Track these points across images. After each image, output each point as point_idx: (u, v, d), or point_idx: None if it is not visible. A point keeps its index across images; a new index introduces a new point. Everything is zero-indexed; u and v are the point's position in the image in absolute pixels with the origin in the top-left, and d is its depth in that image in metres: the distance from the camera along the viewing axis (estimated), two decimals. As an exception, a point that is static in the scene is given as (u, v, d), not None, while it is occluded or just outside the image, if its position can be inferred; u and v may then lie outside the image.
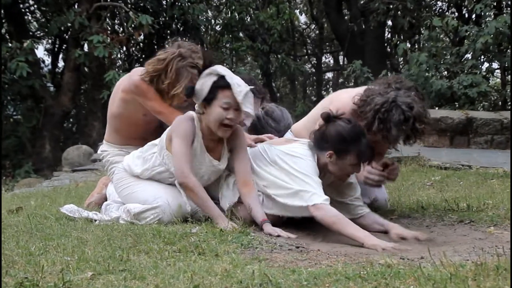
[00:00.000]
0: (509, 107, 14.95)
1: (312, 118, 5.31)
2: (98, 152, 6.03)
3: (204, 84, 4.67)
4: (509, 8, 16.45)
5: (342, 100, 5.12)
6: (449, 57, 15.46)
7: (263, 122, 5.77)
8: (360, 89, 5.05)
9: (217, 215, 4.49)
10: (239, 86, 4.60)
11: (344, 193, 4.91)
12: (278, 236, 4.30)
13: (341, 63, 29.14)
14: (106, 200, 5.75)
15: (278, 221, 4.71)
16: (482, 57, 15.02)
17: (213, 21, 23.15)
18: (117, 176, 5.17)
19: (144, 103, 5.47)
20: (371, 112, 4.73)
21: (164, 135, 4.84)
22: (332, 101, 5.25)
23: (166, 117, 5.41)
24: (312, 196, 4.45)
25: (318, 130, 4.75)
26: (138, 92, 5.45)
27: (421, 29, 19.07)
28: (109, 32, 17.57)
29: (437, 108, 14.33)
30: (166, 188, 4.83)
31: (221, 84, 4.62)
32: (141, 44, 21.36)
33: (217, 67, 4.73)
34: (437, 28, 15.76)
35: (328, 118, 4.70)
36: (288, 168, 4.64)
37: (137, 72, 5.48)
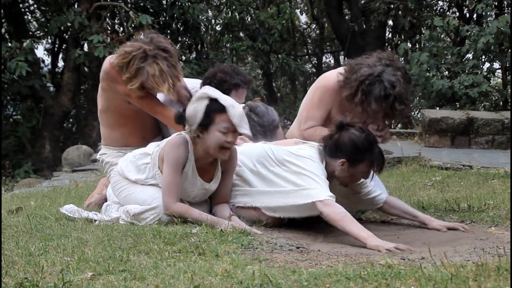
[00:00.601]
0: (510, 107, 14.93)
1: (300, 111, 5.42)
2: (97, 156, 6.03)
3: (197, 109, 4.58)
4: (510, 8, 16.42)
5: (326, 76, 5.25)
6: (450, 57, 15.44)
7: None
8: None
9: (216, 222, 4.48)
10: (234, 108, 4.55)
11: (356, 191, 4.99)
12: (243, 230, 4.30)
13: (341, 63, 29.13)
14: (106, 200, 5.74)
15: (279, 223, 4.71)
16: (483, 57, 15.01)
17: (213, 20, 23.18)
18: (114, 179, 5.19)
19: (116, 88, 5.54)
20: (356, 82, 4.81)
21: (157, 150, 4.80)
22: (317, 83, 5.30)
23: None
24: (319, 192, 4.46)
25: (331, 138, 4.74)
26: (109, 78, 5.57)
27: (422, 29, 19.08)
28: (109, 32, 17.54)
29: (438, 108, 14.33)
30: None
31: (217, 108, 4.55)
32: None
33: (207, 90, 4.65)
34: (438, 28, 15.76)
35: (341, 126, 4.69)
36: (295, 168, 4.65)
37: (109, 59, 5.60)
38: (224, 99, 4.58)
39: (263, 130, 5.47)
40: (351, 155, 4.62)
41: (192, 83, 5.99)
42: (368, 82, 4.77)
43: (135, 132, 5.78)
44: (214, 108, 4.54)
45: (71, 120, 22.82)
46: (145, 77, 5.32)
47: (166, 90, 5.38)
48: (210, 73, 5.86)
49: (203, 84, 5.65)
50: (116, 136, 5.79)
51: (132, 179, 4.94)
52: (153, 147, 4.89)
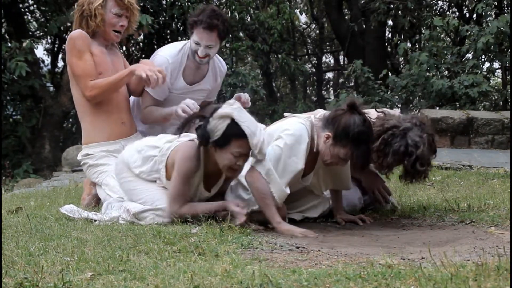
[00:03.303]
0: (510, 107, 14.93)
1: None
2: (79, 158, 5.95)
3: (217, 126, 4.50)
4: (510, 8, 16.42)
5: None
6: (450, 56, 15.43)
7: None
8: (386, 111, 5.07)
9: (221, 205, 4.59)
10: (255, 136, 4.47)
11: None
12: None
13: (341, 62, 29.16)
14: (98, 199, 5.75)
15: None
16: (483, 56, 14.98)
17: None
18: (118, 168, 5.16)
19: (69, 60, 5.71)
20: (380, 129, 4.74)
21: (167, 149, 4.77)
22: None
23: (82, 83, 5.67)
24: (264, 164, 4.59)
25: (336, 111, 4.75)
26: (67, 47, 5.76)
27: (422, 28, 19.05)
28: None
29: (437, 108, 14.32)
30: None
31: (237, 133, 4.48)
32: (141, 44, 21.31)
33: (233, 111, 4.51)
34: (438, 28, 15.74)
35: (352, 106, 4.69)
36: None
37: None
38: (247, 125, 4.48)
39: None
40: (338, 134, 4.62)
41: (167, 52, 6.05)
42: (391, 133, 4.72)
43: (115, 117, 5.78)
44: (235, 132, 4.48)
45: (70, 120, 22.80)
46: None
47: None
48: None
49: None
50: (98, 125, 5.77)
51: (136, 172, 4.93)
52: (163, 142, 4.86)
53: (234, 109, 4.53)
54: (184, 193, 4.63)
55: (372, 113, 5.01)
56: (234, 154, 4.51)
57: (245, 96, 6.06)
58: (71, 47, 5.69)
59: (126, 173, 5.04)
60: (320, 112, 5.02)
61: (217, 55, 6.26)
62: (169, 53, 5.98)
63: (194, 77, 6.08)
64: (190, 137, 4.76)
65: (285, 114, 5.08)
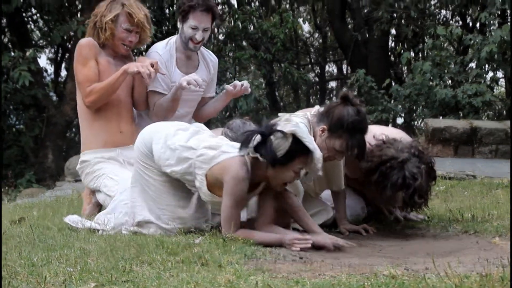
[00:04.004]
0: (511, 116, 14.92)
1: None
2: (77, 168, 5.97)
3: (280, 146, 4.34)
4: (512, 17, 16.44)
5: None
6: (453, 66, 15.45)
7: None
8: (387, 130, 5.05)
9: (278, 239, 4.37)
10: (316, 150, 4.41)
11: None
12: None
13: (344, 72, 29.19)
14: (99, 207, 5.76)
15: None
16: (487, 66, 15.01)
17: (216, 30, 23.17)
18: (138, 152, 4.86)
19: (75, 66, 5.78)
20: (377, 159, 4.75)
21: (210, 159, 4.53)
22: None
23: (82, 89, 5.72)
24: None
25: (330, 104, 4.79)
26: (75, 53, 5.82)
27: (425, 38, 19.09)
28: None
29: (441, 117, 14.33)
30: (185, 207, 4.78)
31: (302, 149, 4.37)
32: (144, 53, 21.32)
33: (294, 128, 4.41)
34: (441, 37, 15.76)
35: (345, 99, 4.69)
36: None
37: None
38: (308, 140, 4.39)
39: None
40: (332, 125, 4.64)
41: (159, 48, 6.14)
42: (389, 165, 4.73)
43: (112, 126, 5.79)
44: (301, 149, 4.37)
45: (73, 129, 22.80)
46: (118, 11, 5.75)
47: (143, 16, 5.81)
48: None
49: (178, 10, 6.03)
50: (95, 132, 5.81)
51: (167, 170, 4.69)
52: (202, 146, 4.61)
53: (294, 125, 4.45)
54: (237, 216, 4.45)
55: (374, 130, 5.03)
56: (296, 170, 4.41)
57: (244, 84, 6.12)
58: (78, 53, 5.78)
59: (148, 166, 4.80)
60: (315, 108, 5.03)
61: (204, 47, 6.35)
62: (157, 48, 6.10)
63: (187, 68, 6.12)
64: (232, 147, 4.59)
65: (279, 114, 5.06)
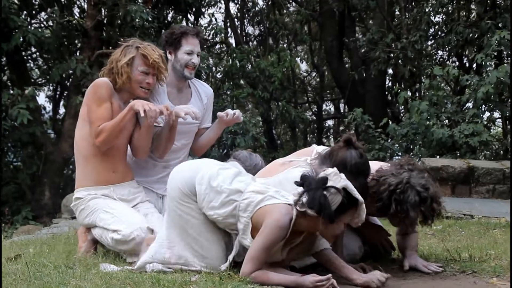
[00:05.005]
0: (510, 156, 14.93)
1: None
2: (71, 206, 5.95)
3: (334, 200, 4.28)
4: (509, 58, 16.51)
5: None
6: (450, 106, 15.49)
7: None
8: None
9: (296, 282, 4.31)
10: (362, 201, 4.38)
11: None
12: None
13: (342, 110, 29.25)
14: (96, 243, 5.75)
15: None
16: (483, 106, 15.03)
17: (214, 68, 23.25)
18: (174, 191, 4.79)
19: (88, 105, 5.76)
20: (386, 193, 4.74)
21: (256, 203, 4.48)
22: None
23: (94, 129, 5.67)
24: None
25: (332, 147, 4.79)
26: (89, 91, 5.82)
27: (422, 77, 19.16)
28: (110, 79, 17.61)
29: (438, 157, 14.33)
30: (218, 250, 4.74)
31: (353, 202, 4.33)
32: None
33: (345, 181, 4.34)
34: (438, 77, 15.80)
35: (348, 141, 4.72)
36: None
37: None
38: (358, 193, 4.35)
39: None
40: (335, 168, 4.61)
41: None
42: (399, 191, 4.73)
43: (105, 166, 5.78)
44: (353, 202, 4.34)
45: (71, 166, 22.78)
46: (132, 54, 5.77)
47: (158, 57, 5.79)
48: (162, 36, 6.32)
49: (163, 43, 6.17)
50: (88, 171, 5.79)
51: (210, 213, 4.63)
52: (250, 190, 4.58)
53: (343, 179, 4.37)
54: (263, 259, 4.36)
55: (374, 165, 5.04)
56: (345, 222, 4.38)
57: (236, 112, 6.16)
58: (93, 93, 5.75)
59: (190, 205, 4.73)
60: (315, 149, 5.04)
61: (197, 79, 6.44)
62: None
63: (180, 101, 6.15)
64: (278, 193, 4.53)
65: (276, 160, 5.10)
